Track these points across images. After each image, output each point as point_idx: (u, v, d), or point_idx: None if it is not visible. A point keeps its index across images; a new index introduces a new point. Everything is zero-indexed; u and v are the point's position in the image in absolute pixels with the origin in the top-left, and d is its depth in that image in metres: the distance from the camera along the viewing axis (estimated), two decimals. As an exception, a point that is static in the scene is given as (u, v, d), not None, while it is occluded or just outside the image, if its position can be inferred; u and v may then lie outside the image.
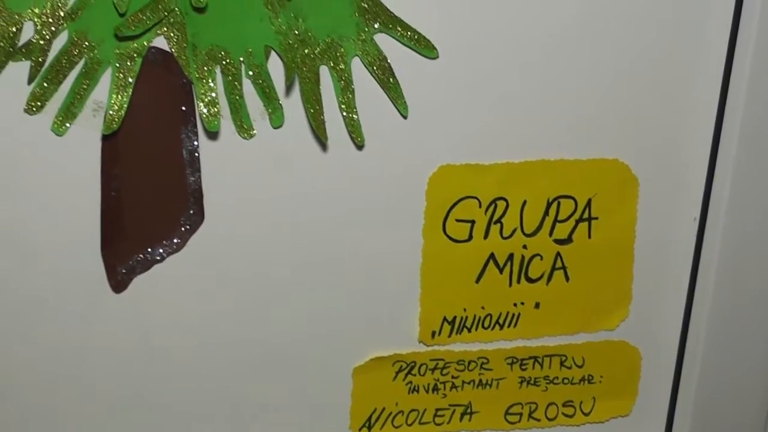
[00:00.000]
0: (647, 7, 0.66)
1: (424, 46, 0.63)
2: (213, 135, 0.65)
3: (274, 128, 0.65)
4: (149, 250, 0.68)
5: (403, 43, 0.63)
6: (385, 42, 0.63)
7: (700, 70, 0.69)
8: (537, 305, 0.73)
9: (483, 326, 0.73)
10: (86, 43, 0.62)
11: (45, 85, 0.62)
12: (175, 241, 0.68)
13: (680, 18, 0.67)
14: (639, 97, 0.69)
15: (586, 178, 0.69)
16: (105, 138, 0.64)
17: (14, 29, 0.60)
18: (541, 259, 0.72)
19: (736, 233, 0.73)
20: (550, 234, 0.71)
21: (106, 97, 0.62)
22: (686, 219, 0.74)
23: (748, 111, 0.69)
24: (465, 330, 0.73)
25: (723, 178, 0.71)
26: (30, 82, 0.62)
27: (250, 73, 0.63)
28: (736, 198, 0.72)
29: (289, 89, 0.64)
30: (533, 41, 0.66)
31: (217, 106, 0.63)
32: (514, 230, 0.70)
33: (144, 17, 0.60)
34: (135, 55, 0.62)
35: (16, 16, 0.60)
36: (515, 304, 0.73)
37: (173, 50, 0.63)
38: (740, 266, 0.74)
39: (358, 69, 0.64)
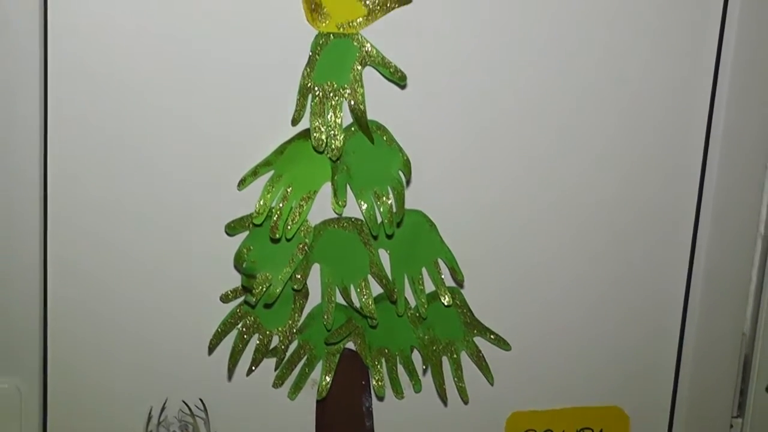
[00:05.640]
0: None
1: (500, 342, 1.06)
2: (381, 398, 1.03)
3: (416, 393, 1.03)
4: (343, 468, 1.04)
5: (485, 339, 1.06)
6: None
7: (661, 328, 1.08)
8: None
9: None
10: (308, 346, 1.00)
11: (284, 371, 1.00)
12: (359, 461, 1.05)
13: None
14: (630, 366, 1.09)
15: (598, 416, 1.08)
16: (318, 402, 1.01)
17: (267, 340, 0.99)
18: (572, 463, 1.11)
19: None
20: (578, 449, 1.11)
21: (318, 376, 1.01)
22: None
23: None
24: None
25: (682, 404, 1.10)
26: (275, 369, 0.99)
27: (402, 361, 1.03)
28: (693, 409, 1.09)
29: (424, 371, 1.03)
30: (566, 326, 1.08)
31: (383, 380, 1.01)
32: (557, 447, 1.10)
33: (342, 331, 0.99)
34: (336, 352, 1.00)
35: (268, 332, 0.99)
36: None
37: (357, 349, 1.00)
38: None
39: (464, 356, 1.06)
